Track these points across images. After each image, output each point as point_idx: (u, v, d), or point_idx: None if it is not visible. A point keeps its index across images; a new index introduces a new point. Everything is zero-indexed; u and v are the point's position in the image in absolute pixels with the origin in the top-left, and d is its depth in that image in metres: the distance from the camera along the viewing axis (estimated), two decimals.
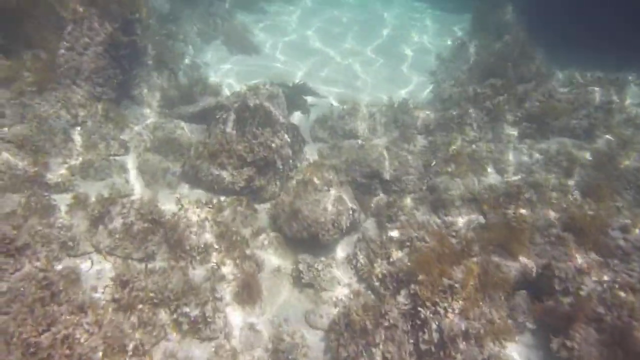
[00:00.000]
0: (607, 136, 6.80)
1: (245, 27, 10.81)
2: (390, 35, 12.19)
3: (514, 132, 7.16)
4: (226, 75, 8.98)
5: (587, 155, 6.26)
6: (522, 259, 4.56)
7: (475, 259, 4.44)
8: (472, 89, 8.00)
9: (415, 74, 10.15)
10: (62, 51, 6.34)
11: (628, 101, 7.62)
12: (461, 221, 5.46)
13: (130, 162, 6.29)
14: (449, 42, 11.42)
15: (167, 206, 5.40)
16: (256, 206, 6.00)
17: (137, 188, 5.96)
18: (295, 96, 8.30)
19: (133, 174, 6.14)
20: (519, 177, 6.42)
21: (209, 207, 5.43)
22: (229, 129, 6.43)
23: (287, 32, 11.34)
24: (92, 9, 6.46)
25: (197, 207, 5.36)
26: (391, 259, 5.00)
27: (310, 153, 7.10)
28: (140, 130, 6.80)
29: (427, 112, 7.89)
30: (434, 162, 6.41)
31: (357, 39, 11.76)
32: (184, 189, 6.12)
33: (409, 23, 13.02)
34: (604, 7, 9.73)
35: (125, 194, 5.72)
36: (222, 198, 5.95)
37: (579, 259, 4.35)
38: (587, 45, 9.25)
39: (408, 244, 5.24)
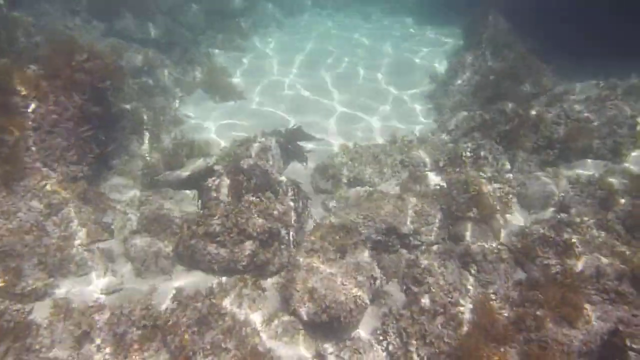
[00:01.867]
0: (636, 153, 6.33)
1: (226, 71, 10.34)
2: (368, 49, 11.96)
3: (533, 159, 6.65)
4: (213, 128, 8.45)
5: (622, 180, 5.75)
6: (583, 327, 3.98)
7: (530, 334, 3.85)
8: (479, 115, 7.54)
9: (411, 99, 9.70)
10: (29, 132, 5.79)
11: None
12: (498, 280, 4.88)
13: (117, 248, 5.68)
14: (444, 62, 11.03)
15: (163, 300, 4.80)
16: (264, 283, 5.40)
17: (127, 279, 5.35)
18: (290, 144, 7.81)
19: (121, 263, 5.54)
20: (550, 212, 5.89)
21: (210, 300, 4.82)
22: (223, 197, 5.86)
23: (271, 72, 10.88)
24: (56, 82, 5.94)
25: (196, 302, 4.75)
26: (427, 338, 4.39)
27: (315, 209, 6.54)
28: (124, 209, 6.21)
29: (434, 147, 7.42)
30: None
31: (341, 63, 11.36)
32: (180, 272, 5.52)
33: (385, 35, 12.70)
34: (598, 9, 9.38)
35: (113, 289, 5.13)
36: (224, 279, 5.36)
37: None
38: (587, 53, 8.92)
39: (442, 311, 4.66)
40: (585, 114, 6.61)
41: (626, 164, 6.18)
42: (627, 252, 4.69)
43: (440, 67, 10.78)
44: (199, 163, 6.89)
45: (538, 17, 9.77)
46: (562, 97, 7.41)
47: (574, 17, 9.17)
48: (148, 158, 7.15)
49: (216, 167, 6.47)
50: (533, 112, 7.02)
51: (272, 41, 12.75)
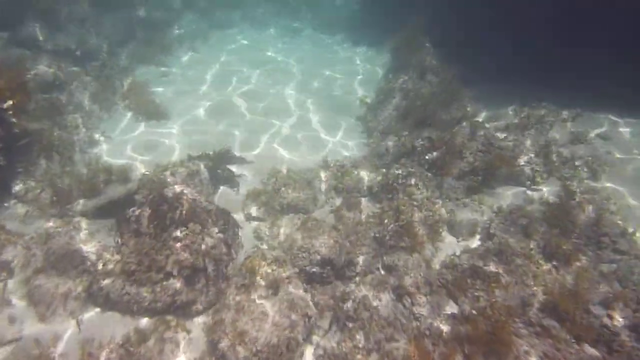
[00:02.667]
0: (555, 182, 6.81)
1: (148, 85, 9.79)
2: (305, 73, 11.90)
3: (460, 186, 6.93)
4: (135, 150, 7.90)
5: (540, 207, 6.14)
6: None
7: None
8: (409, 141, 7.75)
9: (342, 119, 9.78)
10: None
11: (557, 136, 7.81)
12: (431, 314, 4.94)
13: (16, 290, 5.04)
14: (373, 84, 11.30)
15: (71, 351, 4.28)
16: (189, 324, 5.04)
17: (28, 326, 4.74)
18: (219, 168, 7.50)
19: (21, 307, 4.90)
20: (477, 240, 6.14)
21: (126, 348, 4.39)
22: (144, 230, 5.43)
23: (197, 87, 10.47)
24: None
25: (110, 351, 4.30)
26: None
27: (246, 239, 6.28)
28: (28, 243, 5.54)
29: (367, 172, 7.50)
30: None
31: (273, 84, 11.23)
32: (94, 315, 4.99)
33: (324, 58, 12.83)
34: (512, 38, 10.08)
35: (9, 340, 4.51)
36: (144, 321, 4.93)
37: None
38: (505, 80, 9.62)
39: (376, 348, 4.62)
40: (506, 142, 7.03)
41: (543, 190, 6.62)
42: (548, 282, 4.97)
43: (369, 89, 11.03)
44: (118, 190, 6.37)
45: (462, 43, 10.38)
46: (485, 124, 7.84)
47: (494, 47, 9.86)
48: (58, 184, 6.48)
49: (137, 196, 6.01)
50: (458, 140, 7.33)
51: (197, 55, 12.35)
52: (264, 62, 12.32)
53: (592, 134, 7.65)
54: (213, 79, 10.96)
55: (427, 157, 7.29)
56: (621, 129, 7.84)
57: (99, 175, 6.65)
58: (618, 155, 7.20)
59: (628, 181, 6.64)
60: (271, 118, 9.49)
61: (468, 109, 8.80)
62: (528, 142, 6.97)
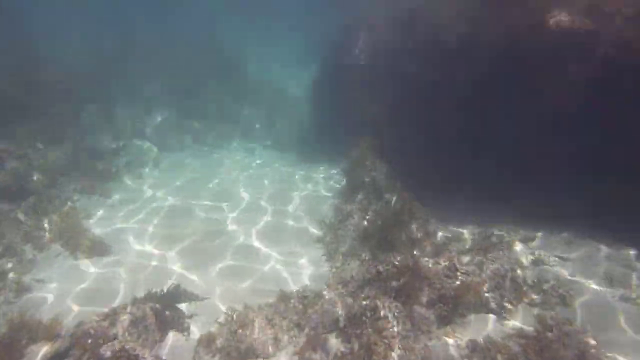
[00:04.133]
0: (526, 309, 6.69)
1: (89, 219, 9.29)
2: (259, 197, 11.81)
3: (430, 315, 6.65)
4: (70, 295, 7.15)
5: (519, 340, 5.90)
6: None
7: None
8: (373, 267, 7.56)
9: (301, 241, 9.55)
10: None
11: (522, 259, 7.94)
12: None
13: None
14: (328, 202, 11.40)
15: None
16: None
17: None
18: (167, 309, 6.86)
19: None
20: None
21: None
22: None
23: (143, 218, 10.05)
24: None
25: None
26: None
27: None
28: None
29: (332, 302, 7.10)
30: None
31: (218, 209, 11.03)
32: None
33: (280, 180, 12.97)
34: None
35: None
36: None
37: None
38: (462, 198, 9.99)
39: None
40: (471, 266, 7.00)
41: (515, 321, 6.46)
42: None
43: (325, 207, 11.07)
44: (45, 351, 5.56)
45: (416, 160, 10.87)
46: (448, 247, 7.88)
47: (446, 163, 10.37)
48: None
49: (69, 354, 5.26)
50: (423, 265, 7.23)
51: (145, 182, 12.08)
52: (214, 188, 12.22)
53: (553, 256, 7.84)
54: (161, 208, 10.61)
55: (393, 284, 7.06)
56: (577, 252, 8.08)
57: (23, 332, 5.84)
58: (580, 279, 7.33)
59: (593, 309, 6.63)
60: (224, 249, 9.10)
61: (429, 228, 8.90)
62: (493, 266, 6.97)
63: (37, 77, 13.47)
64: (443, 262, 7.20)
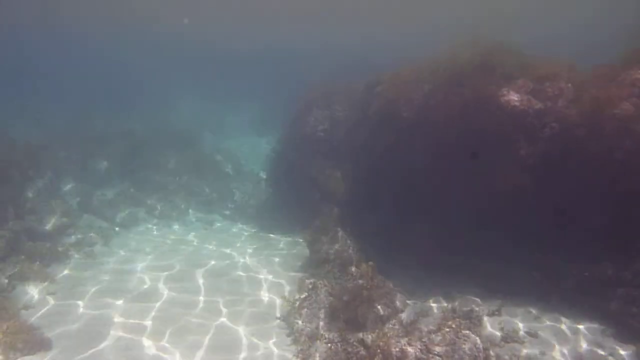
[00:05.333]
0: None
1: (29, 310, 8.40)
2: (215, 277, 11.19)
3: None
4: None
5: None
6: None
7: None
8: (342, 350, 7.15)
9: (265, 324, 8.95)
10: None
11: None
12: None
13: None
14: (288, 277, 10.97)
15: None
16: None
17: None
18: None
19: None
20: None
21: None
22: None
23: (91, 306, 9.21)
24: None
25: None
26: None
27: None
28: None
29: None
30: None
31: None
32: None
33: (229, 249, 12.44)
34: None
35: None
36: None
37: None
38: (421, 268, 9.93)
39: None
40: (443, 347, 6.75)
41: None
42: None
43: (285, 283, 10.62)
44: None
45: (377, 232, 10.82)
46: (416, 324, 7.63)
47: (410, 232, 10.37)
48: None
49: None
50: (394, 345, 6.90)
51: (94, 263, 11.20)
52: (171, 266, 11.54)
53: (521, 331, 7.77)
54: (114, 293, 9.80)
55: None
56: (544, 327, 8.05)
57: None
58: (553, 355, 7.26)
59: None
60: (183, 339, 8.40)
61: (396, 304, 8.67)
62: (466, 346, 6.75)
63: None
64: (415, 344, 6.90)
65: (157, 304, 9.37)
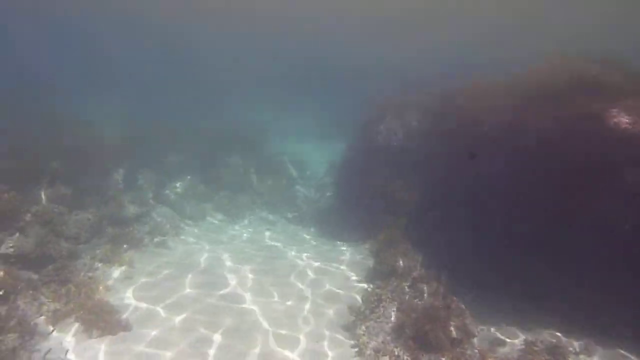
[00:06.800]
0: None
1: (111, 291, 8.82)
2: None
3: None
4: None
5: None
6: None
7: None
8: None
9: (331, 329, 8.84)
10: None
11: None
12: None
13: None
14: (355, 287, 10.79)
15: None
16: None
17: None
18: None
19: None
20: None
21: None
22: None
23: (167, 293, 9.51)
24: None
25: None
26: None
27: None
28: None
29: None
30: None
31: None
32: None
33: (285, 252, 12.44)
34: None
35: None
36: None
37: None
38: (501, 293, 9.40)
39: None
40: None
41: None
42: None
43: (349, 292, 10.44)
44: None
45: (451, 251, 10.41)
46: (495, 352, 7.21)
47: (485, 254, 9.87)
48: None
49: None
50: None
51: (168, 252, 11.70)
52: (245, 260, 11.77)
53: None
54: (188, 282, 10.11)
55: None
56: None
57: None
58: None
59: None
60: (252, 337, 8.47)
61: (468, 328, 8.26)
62: None
63: (61, 142, 13.69)
64: None
65: (223, 292, 9.57)
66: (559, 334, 8.34)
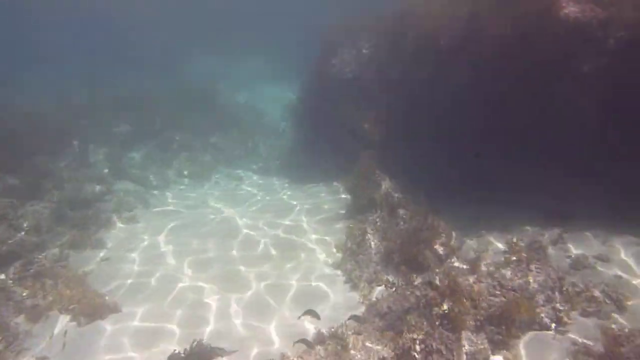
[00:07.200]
0: (581, 321, 6.26)
1: (86, 278, 8.43)
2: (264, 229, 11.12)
3: (483, 341, 6.16)
4: None
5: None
6: None
7: None
8: (410, 293, 7.04)
9: (322, 273, 8.94)
10: None
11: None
12: None
13: None
14: (336, 224, 10.86)
15: None
16: None
17: None
18: None
19: None
20: None
21: None
22: None
23: (145, 267, 9.24)
24: None
25: None
26: None
27: None
28: None
29: (373, 341, 6.52)
30: None
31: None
32: None
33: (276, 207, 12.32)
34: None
35: None
36: None
37: None
38: (465, 204, 9.65)
39: None
40: (517, 280, 6.58)
41: (574, 335, 6.02)
42: None
43: (335, 232, 10.51)
44: None
45: (419, 171, 10.50)
46: (480, 261, 7.44)
47: (459, 168, 10.01)
48: None
49: None
50: (462, 282, 6.75)
51: (138, 225, 11.23)
52: (214, 223, 11.49)
53: (591, 257, 7.50)
54: (162, 253, 9.82)
55: (435, 311, 6.54)
56: (615, 250, 7.75)
57: None
58: (628, 279, 7.00)
59: None
60: (232, 290, 8.40)
61: (452, 243, 8.49)
62: (540, 278, 6.57)
63: None
64: (486, 281, 6.75)
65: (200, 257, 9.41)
66: (536, 229, 8.65)
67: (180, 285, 8.51)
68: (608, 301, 6.44)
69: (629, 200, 7.91)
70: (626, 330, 5.69)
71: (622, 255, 7.53)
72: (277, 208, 12.33)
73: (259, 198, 13.44)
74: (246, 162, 17.66)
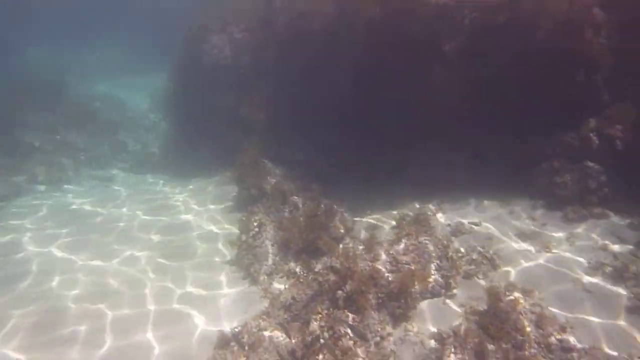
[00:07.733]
0: (465, 283, 6.91)
1: None
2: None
3: (385, 317, 6.46)
4: None
5: (475, 318, 6.06)
6: None
7: None
8: (312, 279, 7.09)
9: (217, 271, 8.51)
10: None
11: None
12: None
13: None
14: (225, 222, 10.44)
15: None
16: None
17: None
18: None
19: None
20: None
21: None
22: None
23: None
24: None
25: None
26: None
27: None
28: None
29: (280, 333, 6.44)
30: None
31: None
32: None
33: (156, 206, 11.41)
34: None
35: None
36: None
37: None
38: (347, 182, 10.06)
39: None
40: (410, 255, 7.00)
41: (461, 298, 6.63)
42: None
43: (228, 225, 10.10)
44: None
45: (311, 158, 10.60)
46: (374, 240, 7.72)
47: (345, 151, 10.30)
48: None
49: None
50: (360, 263, 6.98)
51: None
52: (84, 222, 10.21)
53: (467, 224, 8.30)
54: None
55: (339, 294, 6.67)
56: (484, 212, 8.63)
57: None
58: (499, 241, 7.81)
59: (525, 271, 7.00)
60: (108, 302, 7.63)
61: (346, 223, 8.72)
62: (430, 249, 7.08)
63: None
64: (382, 258, 7.06)
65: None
66: (417, 203, 9.33)
67: None
68: (485, 262, 7.22)
69: (486, 165, 8.99)
70: (502, 285, 6.47)
71: (489, 220, 8.48)
72: (160, 208, 11.39)
73: (136, 198, 12.29)
74: (113, 160, 16.02)
